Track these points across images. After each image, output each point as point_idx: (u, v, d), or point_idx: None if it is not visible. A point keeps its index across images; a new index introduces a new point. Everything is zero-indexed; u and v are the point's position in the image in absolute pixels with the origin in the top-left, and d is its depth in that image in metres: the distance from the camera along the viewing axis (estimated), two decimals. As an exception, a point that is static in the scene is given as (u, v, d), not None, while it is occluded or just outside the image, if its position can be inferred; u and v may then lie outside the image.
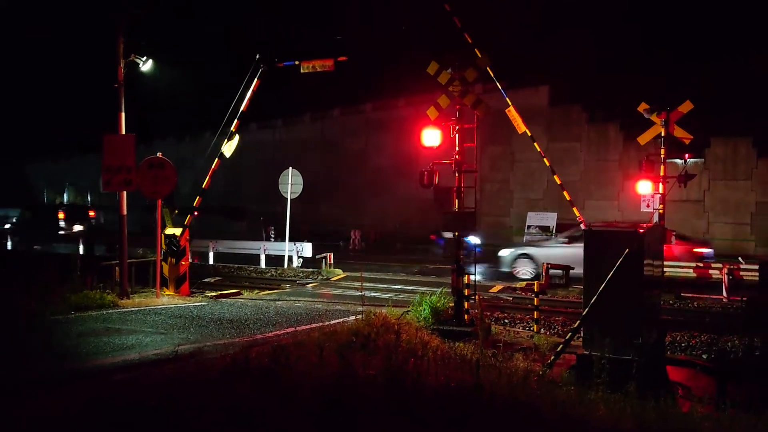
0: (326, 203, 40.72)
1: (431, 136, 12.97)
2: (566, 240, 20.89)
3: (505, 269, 21.91)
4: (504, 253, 22.28)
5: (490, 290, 18.67)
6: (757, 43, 30.47)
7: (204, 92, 46.05)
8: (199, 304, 15.47)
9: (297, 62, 16.58)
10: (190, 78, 40.27)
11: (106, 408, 6.34)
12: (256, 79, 17.15)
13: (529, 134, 17.96)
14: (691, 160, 28.81)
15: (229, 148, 17.25)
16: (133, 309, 14.17)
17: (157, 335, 11.26)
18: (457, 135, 13.00)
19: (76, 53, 50.23)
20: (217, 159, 17.34)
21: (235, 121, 17.30)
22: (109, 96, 16.47)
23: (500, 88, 17.82)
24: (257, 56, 17.17)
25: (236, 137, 17.36)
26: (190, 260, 17.72)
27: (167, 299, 15.98)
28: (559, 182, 19.16)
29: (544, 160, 19.08)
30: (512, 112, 17.28)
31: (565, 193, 19.41)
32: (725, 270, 17.99)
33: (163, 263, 16.73)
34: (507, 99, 17.23)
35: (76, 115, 51.57)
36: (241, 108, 17.37)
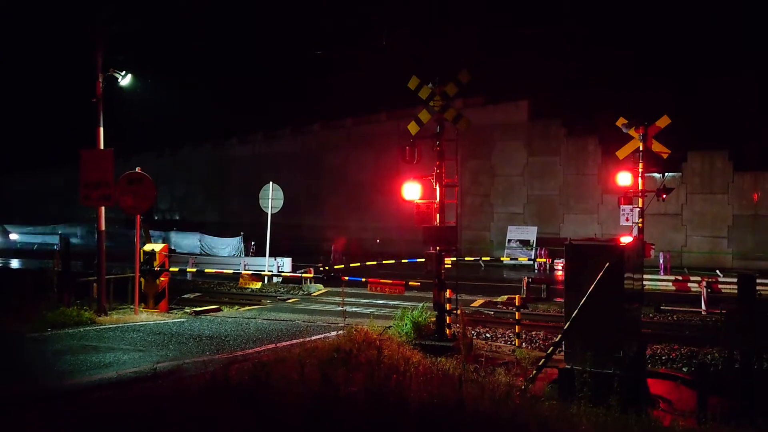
0: (307, 218, 40.58)
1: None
2: None
3: None
4: None
5: (472, 304, 18.64)
6: (733, 59, 31.00)
7: (183, 106, 45.83)
8: (179, 320, 15.28)
9: (363, 279, 16.23)
10: (169, 92, 40.04)
11: (81, 427, 6.22)
12: None
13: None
14: (669, 174, 29.27)
15: None
16: (110, 326, 13.96)
17: (135, 353, 11.09)
18: (437, 149, 13.03)
19: (52, 67, 49.66)
20: None
21: None
22: (88, 110, 16.29)
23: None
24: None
25: None
26: (169, 276, 17.53)
27: (146, 316, 15.77)
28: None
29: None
30: None
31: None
32: (704, 283, 18.18)
33: (141, 279, 16.53)
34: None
35: (53, 130, 50.97)
36: None
